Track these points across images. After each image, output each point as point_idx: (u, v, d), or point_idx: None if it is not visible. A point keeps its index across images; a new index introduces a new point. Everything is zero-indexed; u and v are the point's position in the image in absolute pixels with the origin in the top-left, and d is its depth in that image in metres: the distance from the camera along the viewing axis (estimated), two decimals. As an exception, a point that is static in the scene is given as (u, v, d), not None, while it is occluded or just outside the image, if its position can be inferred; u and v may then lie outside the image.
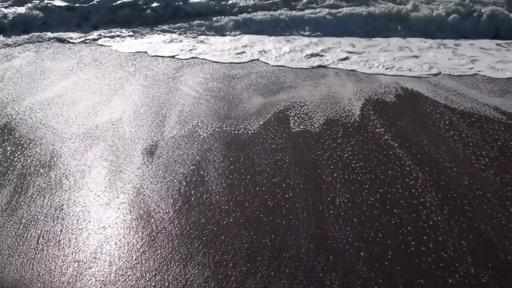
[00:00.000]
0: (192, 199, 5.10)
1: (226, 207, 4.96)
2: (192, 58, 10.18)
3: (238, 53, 10.35)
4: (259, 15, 12.24)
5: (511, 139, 6.41)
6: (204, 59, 10.14)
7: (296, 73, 9.20)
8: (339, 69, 9.36)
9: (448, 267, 4.18)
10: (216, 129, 6.71)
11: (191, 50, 10.62)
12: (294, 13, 12.25)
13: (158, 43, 11.10)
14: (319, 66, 9.47)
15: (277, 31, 11.77)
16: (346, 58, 9.85)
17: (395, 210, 4.98)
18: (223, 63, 9.89)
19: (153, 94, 8.02)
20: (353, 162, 5.84)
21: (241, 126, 6.80)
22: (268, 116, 7.10)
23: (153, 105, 7.55)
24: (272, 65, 9.58)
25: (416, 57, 9.97)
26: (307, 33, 11.54)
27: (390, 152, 6.12)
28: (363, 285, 4.01)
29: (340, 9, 12.25)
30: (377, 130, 6.76)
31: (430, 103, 7.71)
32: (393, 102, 7.77)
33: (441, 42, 10.96)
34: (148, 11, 12.35)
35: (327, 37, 11.25)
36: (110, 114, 7.19)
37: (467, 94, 8.06)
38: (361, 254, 4.32)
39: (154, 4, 12.59)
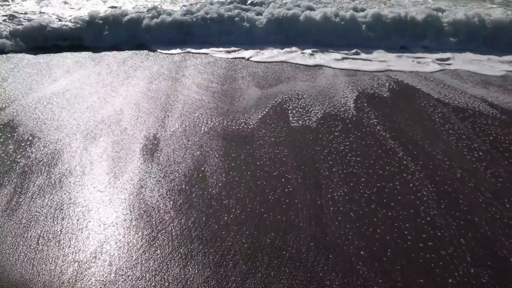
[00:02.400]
0: (193, 196, 4.78)
1: (226, 203, 4.65)
2: (187, 52, 9.86)
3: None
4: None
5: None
6: (198, 52, 9.84)
7: (295, 68, 8.88)
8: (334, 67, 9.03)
9: (448, 266, 3.88)
10: (216, 123, 6.38)
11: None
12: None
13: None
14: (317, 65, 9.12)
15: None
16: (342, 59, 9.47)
17: (392, 204, 4.69)
18: (221, 57, 9.54)
19: (154, 88, 7.67)
20: (349, 154, 5.54)
21: (242, 120, 6.47)
22: (267, 110, 6.79)
23: (154, 98, 7.21)
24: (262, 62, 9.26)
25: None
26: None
27: (382, 140, 5.81)
28: (363, 285, 3.71)
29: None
30: (371, 121, 6.46)
31: (422, 96, 7.41)
32: (387, 94, 7.45)
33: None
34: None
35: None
36: (113, 107, 6.85)
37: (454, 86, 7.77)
38: (361, 253, 4.01)
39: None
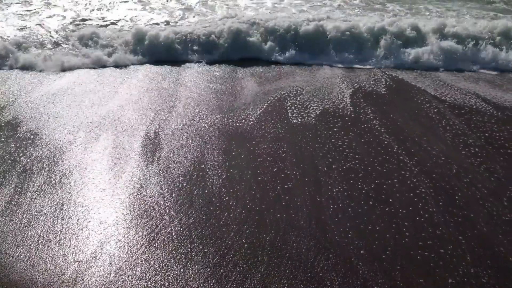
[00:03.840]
0: (193, 195, 4.56)
1: (226, 202, 4.45)
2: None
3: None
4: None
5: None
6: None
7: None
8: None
9: (448, 266, 3.68)
10: (216, 120, 6.15)
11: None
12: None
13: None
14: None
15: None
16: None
17: (390, 201, 4.50)
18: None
19: (158, 86, 7.43)
20: (347, 150, 5.33)
21: (242, 117, 6.25)
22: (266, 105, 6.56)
23: (158, 95, 6.97)
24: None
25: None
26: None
27: (379, 136, 5.61)
28: (363, 285, 3.52)
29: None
30: (367, 116, 6.24)
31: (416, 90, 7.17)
32: (384, 91, 7.22)
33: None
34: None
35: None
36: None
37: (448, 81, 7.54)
38: (361, 252, 3.80)
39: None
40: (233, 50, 8.99)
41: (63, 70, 7.95)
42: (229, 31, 9.25)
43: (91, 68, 8.16)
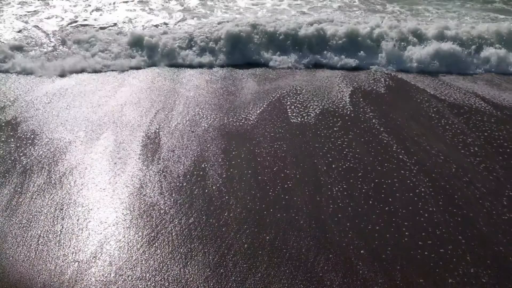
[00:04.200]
0: (193, 194, 4.53)
1: (226, 202, 4.41)
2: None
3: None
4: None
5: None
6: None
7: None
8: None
9: (448, 266, 3.64)
10: (216, 120, 6.11)
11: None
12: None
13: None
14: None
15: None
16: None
17: (390, 200, 4.46)
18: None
19: (158, 86, 7.39)
20: (346, 149, 5.30)
21: (242, 116, 6.22)
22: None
23: (155, 96, 6.94)
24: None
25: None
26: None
27: (378, 135, 5.58)
28: (363, 285, 3.50)
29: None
30: (367, 115, 6.21)
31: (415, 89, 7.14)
32: (383, 90, 7.19)
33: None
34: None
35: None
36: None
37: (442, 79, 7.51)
38: (361, 252, 3.77)
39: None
40: (232, 56, 8.78)
41: (62, 75, 7.76)
42: (229, 36, 9.06)
43: (90, 72, 7.98)
